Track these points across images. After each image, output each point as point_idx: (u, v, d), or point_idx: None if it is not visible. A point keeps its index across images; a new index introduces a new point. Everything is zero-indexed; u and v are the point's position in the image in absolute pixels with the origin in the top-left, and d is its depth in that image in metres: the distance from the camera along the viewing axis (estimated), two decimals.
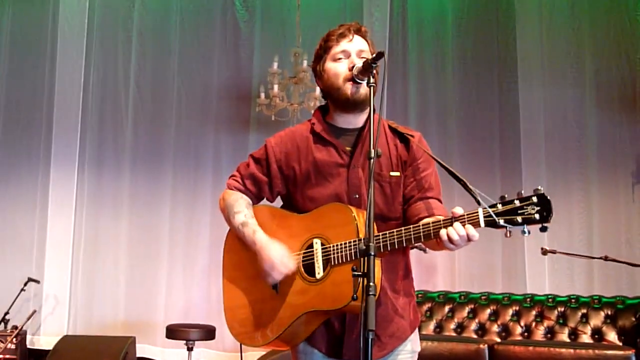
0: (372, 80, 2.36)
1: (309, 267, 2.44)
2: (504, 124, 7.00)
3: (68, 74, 7.34)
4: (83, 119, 7.35)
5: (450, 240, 2.15)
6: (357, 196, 2.48)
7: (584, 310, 5.97)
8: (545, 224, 2.04)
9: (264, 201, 2.72)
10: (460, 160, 6.93)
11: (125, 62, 7.48)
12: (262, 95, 6.50)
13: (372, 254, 2.08)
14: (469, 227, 2.14)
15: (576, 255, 6.12)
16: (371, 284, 2.03)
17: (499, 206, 2.10)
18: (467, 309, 6.27)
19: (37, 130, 7.42)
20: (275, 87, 6.36)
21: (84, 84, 7.35)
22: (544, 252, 5.82)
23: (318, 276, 2.41)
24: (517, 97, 6.90)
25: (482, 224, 2.13)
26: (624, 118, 6.71)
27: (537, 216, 2.04)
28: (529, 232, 2.07)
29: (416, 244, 2.48)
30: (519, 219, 2.06)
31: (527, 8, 6.98)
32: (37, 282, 6.87)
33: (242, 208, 2.62)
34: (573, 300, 6.06)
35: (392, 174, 2.51)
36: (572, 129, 6.80)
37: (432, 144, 6.76)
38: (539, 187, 2.07)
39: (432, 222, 2.22)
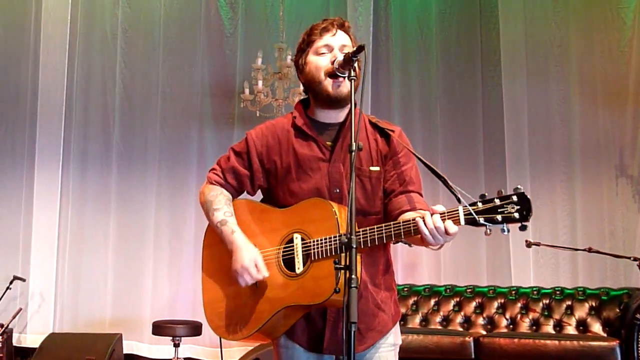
0: (353, 74, 2.36)
1: (289, 262, 2.45)
2: (488, 118, 7.02)
3: (52, 71, 7.29)
4: (67, 115, 7.32)
5: (428, 229, 2.16)
6: (337, 191, 2.49)
7: (569, 302, 6.01)
8: (524, 223, 2.06)
9: (245, 195, 2.72)
10: (445, 154, 6.96)
11: (109, 59, 7.44)
12: (247, 91, 6.49)
13: (354, 246, 2.10)
14: (448, 221, 2.15)
15: (560, 247, 6.17)
16: (353, 276, 2.05)
17: (479, 204, 2.11)
18: (452, 302, 6.30)
19: (21, 128, 7.38)
20: (260, 82, 6.35)
21: (68, 81, 7.31)
22: (529, 244, 5.86)
23: (298, 271, 2.41)
24: (501, 90, 6.91)
25: (462, 221, 2.14)
26: (607, 111, 6.74)
27: (516, 215, 2.06)
28: (508, 231, 2.08)
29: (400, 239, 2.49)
30: (499, 217, 2.08)
31: (511, 2, 6.99)
32: (23, 280, 6.84)
33: (222, 205, 2.61)
34: (558, 292, 6.10)
35: (372, 168, 2.51)
36: (555, 122, 6.82)
37: (416, 137, 6.86)
38: (519, 186, 2.09)
39: (413, 219, 2.22)
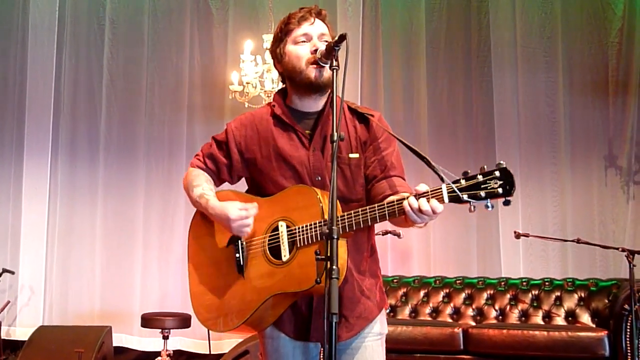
0: (335, 63, 2.34)
1: (275, 250, 2.44)
2: (478, 109, 6.99)
3: (40, 62, 7.29)
4: (55, 107, 7.31)
5: (414, 212, 2.16)
6: (319, 179, 2.48)
7: (558, 293, 6.01)
8: (508, 198, 2.06)
9: (229, 185, 2.72)
10: (434, 145, 6.91)
11: (97, 50, 7.43)
12: (235, 82, 6.47)
13: (335, 237, 2.09)
14: (433, 201, 2.15)
15: (549, 238, 6.16)
16: (334, 267, 2.05)
17: (462, 181, 2.11)
18: (442, 294, 6.30)
19: (9, 120, 7.37)
20: (249, 74, 6.33)
21: (56, 72, 7.31)
22: (517, 235, 5.83)
23: (284, 259, 2.40)
24: (491, 82, 6.88)
25: (446, 199, 2.13)
26: (596, 102, 6.73)
27: (500, 190, 2.05)
28: (492, 207, 2.08)
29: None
30: (482, 193, 2.07)
31: None
32: (12, 273, 6.81)
33: (201, 182, 2.63)
34: (547, 283, 6.10)
35: (351, 156, 2.50)
36: (545, 113, 6.81)
37: (405, 128, 6.84)
38: (501, 162, 2.08)
39: (397, 200, 2.22)
